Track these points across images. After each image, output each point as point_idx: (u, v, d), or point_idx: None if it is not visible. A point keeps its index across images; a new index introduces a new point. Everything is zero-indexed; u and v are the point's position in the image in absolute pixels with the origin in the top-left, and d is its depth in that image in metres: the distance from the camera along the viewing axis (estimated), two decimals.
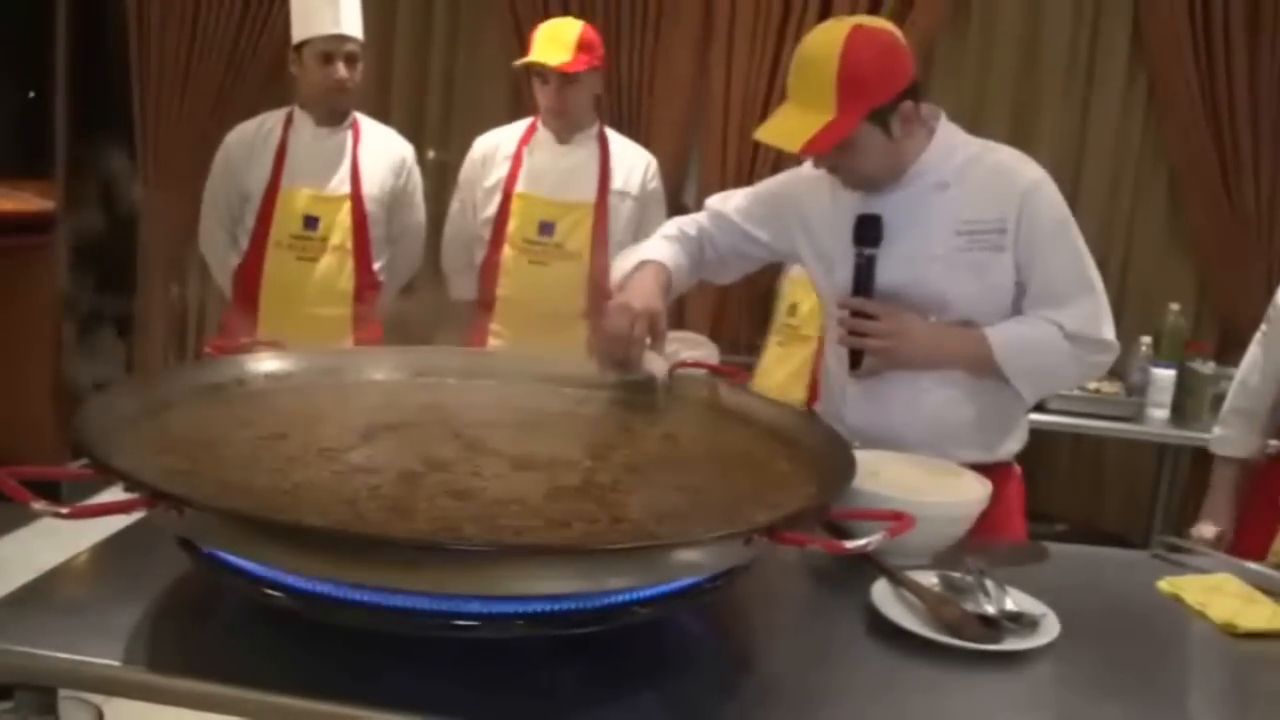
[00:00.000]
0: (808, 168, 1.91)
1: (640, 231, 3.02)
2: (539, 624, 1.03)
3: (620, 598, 1.05)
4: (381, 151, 2.86)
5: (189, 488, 1.06)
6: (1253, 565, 1.58)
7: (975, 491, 1.57)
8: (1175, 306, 3.37)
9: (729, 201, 1.99)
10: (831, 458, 1.34)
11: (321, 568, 0.99)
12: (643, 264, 1.84)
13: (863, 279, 1.78)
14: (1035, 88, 3.82)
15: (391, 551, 0.97)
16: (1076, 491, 3.89)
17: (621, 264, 1.91)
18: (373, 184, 2.81)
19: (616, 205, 2.96)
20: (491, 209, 2.97)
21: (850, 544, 1.06)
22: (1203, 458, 3.47)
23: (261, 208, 2.78)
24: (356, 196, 2.78)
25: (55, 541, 1.50)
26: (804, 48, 1.70)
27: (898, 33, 1.72)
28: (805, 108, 1.68)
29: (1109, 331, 1.79)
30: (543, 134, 2.96)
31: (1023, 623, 1.29)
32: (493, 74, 4.05)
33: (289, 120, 2.82)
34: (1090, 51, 3.79)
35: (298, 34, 2.75)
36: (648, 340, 1.70)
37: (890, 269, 1.77)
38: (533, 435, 1.46)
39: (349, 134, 2.80)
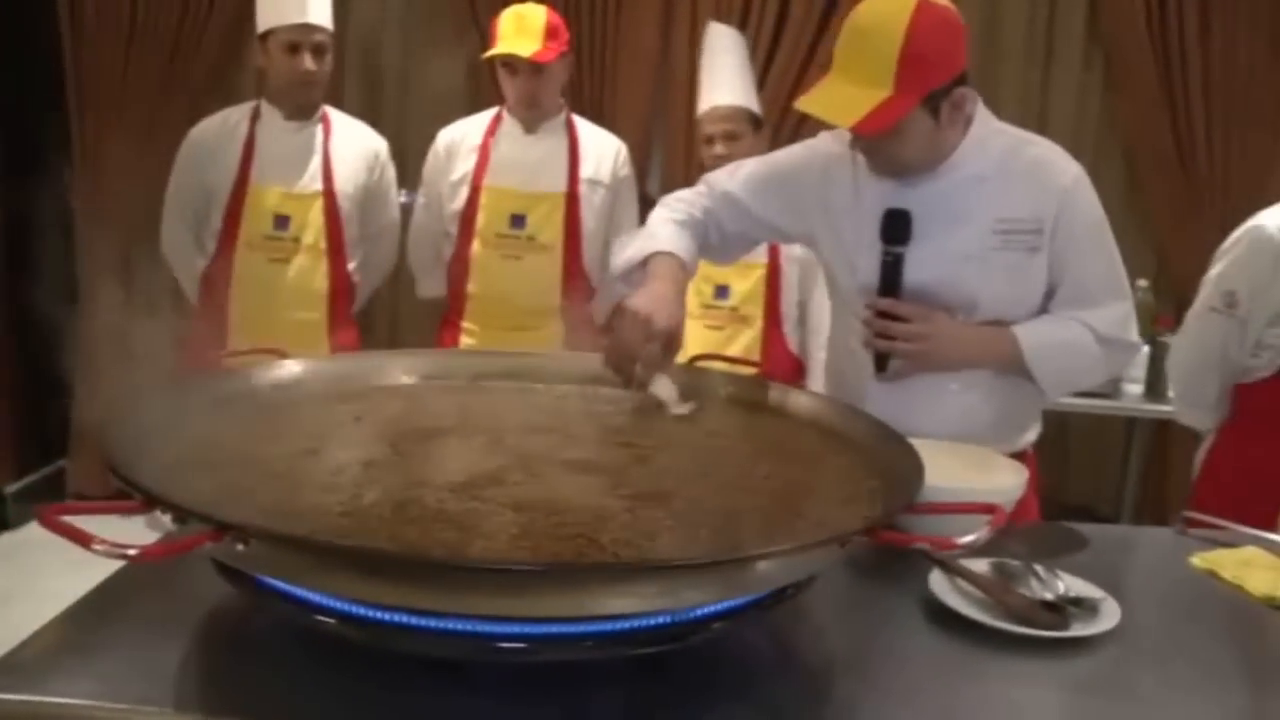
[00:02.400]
0: (822, 142, 1.81)
1: (613, 221, 2.97)
2: (617, 643, 0.97)
3: (704, 611, 1.00)
4: (354, 146, 2.76)
5: (243, 514, 0.98)
6: (1273, 536, 1.60)
7: (1014, 477, 1.55)
8: (1143, 283, 3.41)
9: (735, 180, 1.84)
10: (885, 449, 1.31)
11: (401, 595, 0.92)
12: (655, 257, 1.70)
13: (890, 278, 1.69)
14: (994, 68, 3.84)
15: (481, 576, 0.91)
16: (1043, 466, 3.92)
17: (627, 251, 1.77)
18: (346, 180, 2.71)
19: (588, 194, 2.90)
20: (459, 203, 2.89)
21: (962, 540, 1.02)
22: (1171, 430, 3.64)
23: (229, 207, 2.66)
24: (329, 193, 2.68)
25: (48, 561, 1.39)
26: (862, 18, 1.59)
27: (957, 12, 1.64)
28: (858, 82, 1.56)
29: (1135, 333, 1.77)
30: (509, 124, 2.89)
31: (1084, 607, 1.29)
32: (449, 63, 3.91)
33: (255, 114, 2.71)
34: (1048, 31, 3.82)
35: (263, 23, 2.64)
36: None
37: (920, 266, 1.69)
38: (572, 439, 1.40)
39: (319, 128, 2.70)
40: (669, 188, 3.07)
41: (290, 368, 1.54)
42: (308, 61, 2.57)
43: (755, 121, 2.93)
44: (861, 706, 1.07)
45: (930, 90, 1.58)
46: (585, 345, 2.96)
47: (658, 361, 1.56)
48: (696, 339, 2.95)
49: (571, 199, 2.87)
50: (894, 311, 1.69)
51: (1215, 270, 2.28)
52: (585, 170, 2.90)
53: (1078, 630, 1.25)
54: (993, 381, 1.75)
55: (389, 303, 3.53)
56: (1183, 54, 3.63)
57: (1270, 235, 2.13)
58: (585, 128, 2.96)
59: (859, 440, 1.39)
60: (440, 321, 3.01)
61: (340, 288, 2.72)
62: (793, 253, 2.89)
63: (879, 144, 1.63)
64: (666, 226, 1.78)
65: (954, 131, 1.67)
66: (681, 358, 2.87)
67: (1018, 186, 1.68)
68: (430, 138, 2.97)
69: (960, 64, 1.62)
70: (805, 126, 3.69)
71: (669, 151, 3.89)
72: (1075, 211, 1.69)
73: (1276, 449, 2.12)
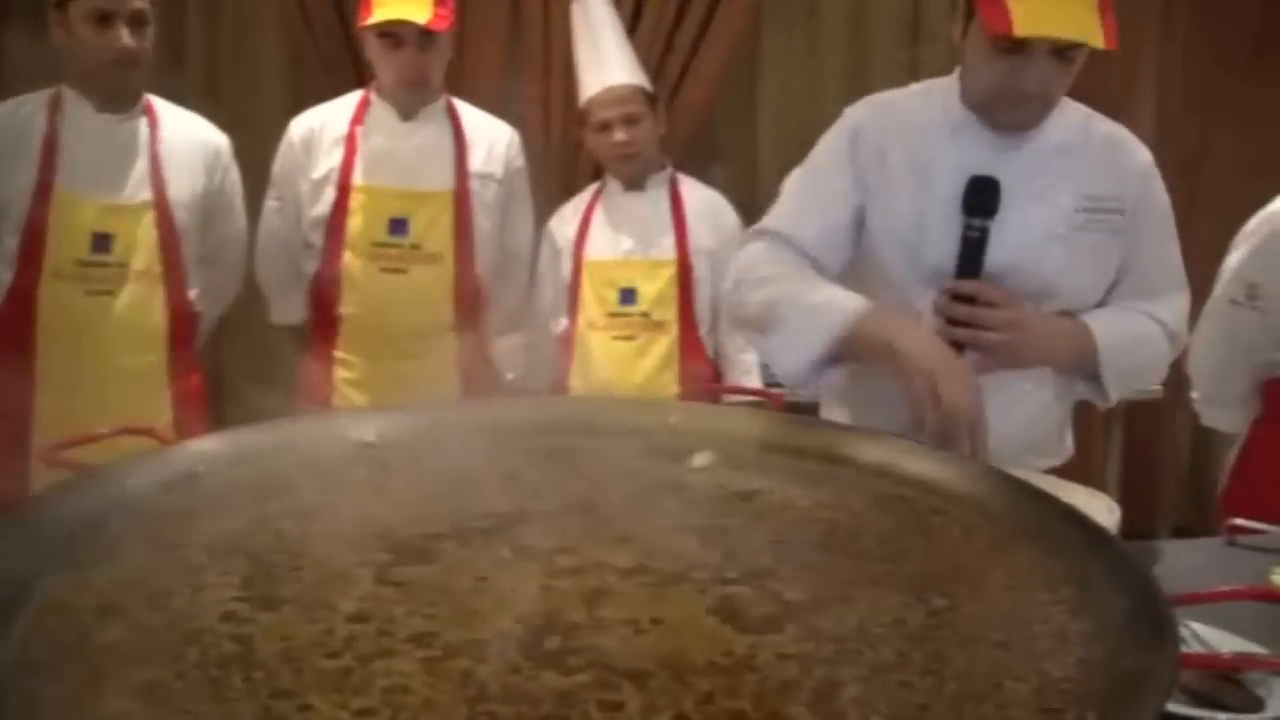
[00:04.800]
0: (864, 108, 1.59)
1: (507, 220, 2.56)
2: None
3: None
4: (188, 144, 2.18)
5: None
6: None
7: (1108, 516, 1.32)
8: None
9: (809, 214, 1.57)
10: (1046, 520, 0.98)
11: None
12: (865, 320, 1.42)
13: (971, 257, 1.46)
14: (865, 50, 3.69)
15: None
16: None
17: (795, 346, 1.47)
18: (181, 187, 2.14)
19: (479, 191, 2.47)
20: (323, 207, 2.40)
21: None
22: (1146, 412, 3.56)
23: (27, 225, 2.04)
24: (161, 204, 2.10)
25: None
26: None
27: None
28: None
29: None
30: (379, 110, 2.42)
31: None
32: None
33: (55, 105, 2.10)
34: (914, 10, 3.71)
35: None
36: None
37: (1002, 245, 1.45)
38: (623, 540, 0.99)
39: (142, 122, 2.12)
40: (535, 181, 2.73)
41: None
42: (124, 35, 1.99)
43: (651, 100, 2.61)
44: None
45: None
46: (484, 373, 2.58)
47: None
48: (605, 354, 2.60)
49: (461, 197, 2.41)
50: (983, 296, 1.44)
51: (1234, 260, 2.12)
52: (475, 163, 2.45)
53: (1277, 710, 1.01)
54: (1058, 383, 1.56)
55: (233, 333, 2.94)
56: None
57: None
58: (470, 113, 2.51)
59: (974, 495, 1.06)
60: (305, 354, 2.51)
61: (181, 321, 2.14)
62: (702, 245, 2.59)
63: (1059, 76, 1.44)
64: (808, 295, 1.48)
65: None
66: (590, 379, 2.63)
67: (1099, 162, 1.55)
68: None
69: None
70: (683, 99, 3.42)
71: (525, 137, 3.43)
72: (1153, 194, 1.58)
73: None
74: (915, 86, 1.64)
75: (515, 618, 0.81)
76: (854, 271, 1.59)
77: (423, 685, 0.71)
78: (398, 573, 0.90)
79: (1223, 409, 2.19)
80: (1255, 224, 2.06)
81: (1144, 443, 3.77)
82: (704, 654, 0.76)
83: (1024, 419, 1.51)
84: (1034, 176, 1.50)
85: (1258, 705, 1.02)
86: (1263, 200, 2.13)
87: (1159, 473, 3.88)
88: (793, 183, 1.64)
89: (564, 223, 2.67)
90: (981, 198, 1.47)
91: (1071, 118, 1.56)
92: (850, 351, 1.44)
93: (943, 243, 1.49)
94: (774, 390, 1.62)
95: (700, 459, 1.24)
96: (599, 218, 2.62)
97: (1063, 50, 1.41)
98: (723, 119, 3.68)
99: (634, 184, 2.61)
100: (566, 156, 3.45)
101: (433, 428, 1.29)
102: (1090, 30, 1.36)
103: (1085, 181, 1.52)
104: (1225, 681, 1.05)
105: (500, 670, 0.73)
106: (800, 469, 1.19)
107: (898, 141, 1.54)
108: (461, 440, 1.26)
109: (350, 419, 1.33)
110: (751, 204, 3.38)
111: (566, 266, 2.62)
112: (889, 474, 1.16)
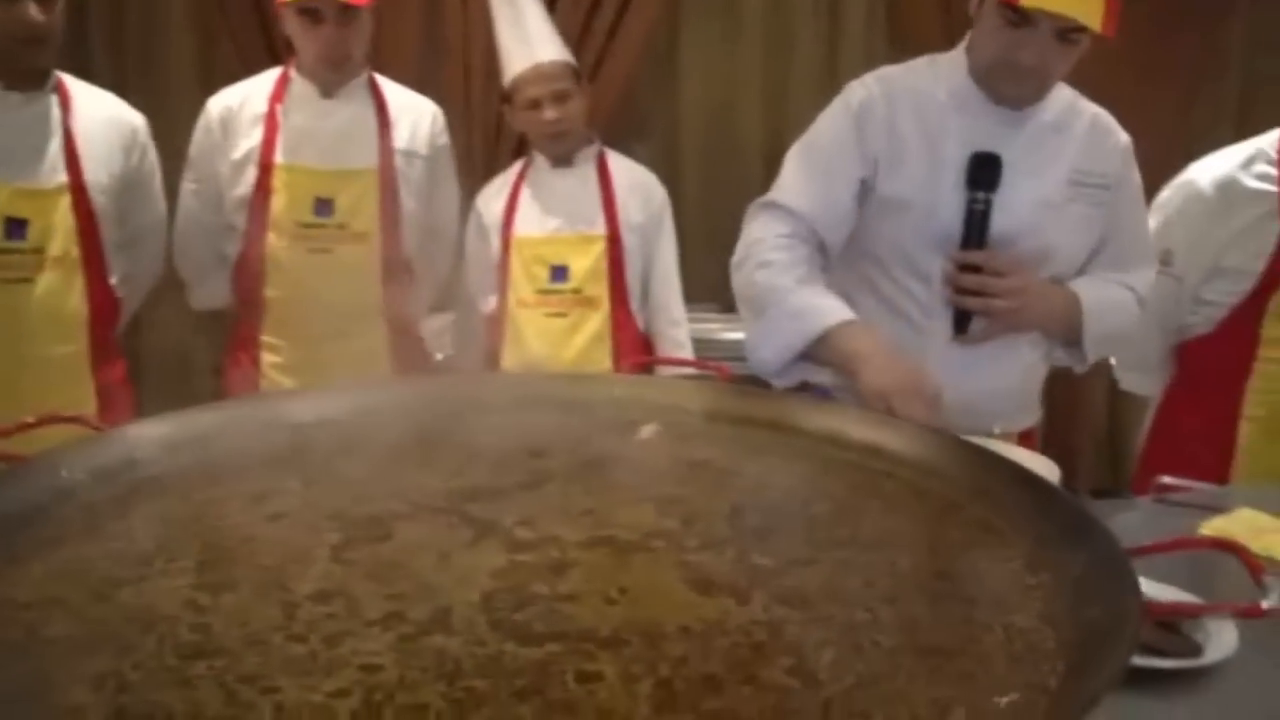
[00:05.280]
0: (856, 96, 1.62)
1: (432, 198, 2.52)
2: None
3: None
4: (104, 123, 2.08)
5: None
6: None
7: (1050, 474, 1.37)
8: None
9: (795, 193, 1.62)
10: (995, 480, 1.00)
11: None
12: (826, 336, 1.47)
13: (976, 228, 1.54)
14: (785, 25, 3.68)
15: None
16: None
17: (772, 338, 1.52)
18: (97, 168, 2.03)
19: (404, 169, 2.41)
20: (244, 188, 2.32)
21: (1267, 604, 0.73)
22: (1065, 379, 3.62)
23: None
24: (77, 187, 1.99)
25: None
26: None
27: None
28: None
29: None
30: (299, 86, 2.35)
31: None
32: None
33: None
34: None
35: None
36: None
37: (1002, 216, 1.55)
38: (581, 512, 0.99)
39: (53, 100, 2.01)
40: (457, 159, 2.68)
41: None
42: (32, 10, 1.88)
43: (578, 76, 2.56)
44: None
45: None
46: (413, 353, 2.54)
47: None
48: (537, 331, 2.58)
49: (386, 175, 2.35)
50: (988, 266, 1.54)
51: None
52: (399, 140, 2.39)
53: (1211, 657, 1.05)
54: (1045, 345, 1.69)
55: (151, 320, 2.84)
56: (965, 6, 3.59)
57: (1202, 188, 2.04)
58: (392, 89, 2.44)
59: (931, 462, 1.07)
60: (230, 339, 2.44)
61: (103, 308, 2.05)
62: (631, 220, 2.58)
63: (1060, 56, 1.51)
64: (796, 294, 1.52)
65: None
66: (522, 357, 2.61)
67: (1086, 140, 1.64)
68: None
69: None
70: (604, 77, 3.40)
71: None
72: (1131, 173, 1.68)
73: (1222, 405, 2.05)
74: (918, 61, 1.70)
75: (481, 593, 0.80)
76: (864, 239, 1.64)
77: (395, 663, 0.70)
78: (354, 552, 0.88)
79: (1139, 373, 2.25)
80: (1168, 195, 2.11)
81: (1064, 409, 3.88)
82: (675, 620, 0.76)
83: (1019, 381, 1.63)
84: (1033, 151, 1.58)
85: (1197, 651, 1.06)
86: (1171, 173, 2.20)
87: (1078, 437, 4.00)
88: (796, 156, 1.67)
89: (490, 200, 2.61)
90: (985, 172, 1.55)
91: (1062, 95, 1.64)
92: (820, 357, 1.50)
93: (950, 210, 1.56)
94: (713, 362, 1.61)
95: (647, 431, 1.23)
96: (526, 195, 2.57)
97: (1066, 32, 1.47)
98: (643, 97, 3.66)
99: (561, 161, 2.56)
100: (488, 134, 3.41)
101: (371, 406, 1.26)
102: (1092, 14, 1.44)
103: (1075, 156, 1.61)
104: (1167, 630, 1.09)
105: (472, 645, 0.72)
106: (748, 438, 1.20)
107: (907, 113, 1.60)
108: (404, 418, 1.24)
109: (287, 400, 1.30)
110: (675, 180, 3.40)
111: (495, 244, 2.56)
112: (837, 440, 1.17)
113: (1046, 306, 1.60)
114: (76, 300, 2.01)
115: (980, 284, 1.55)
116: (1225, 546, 0.83)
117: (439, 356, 2.80)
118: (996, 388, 1.52)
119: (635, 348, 2.61)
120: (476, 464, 1.11)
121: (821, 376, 1.59)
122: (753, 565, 0.86)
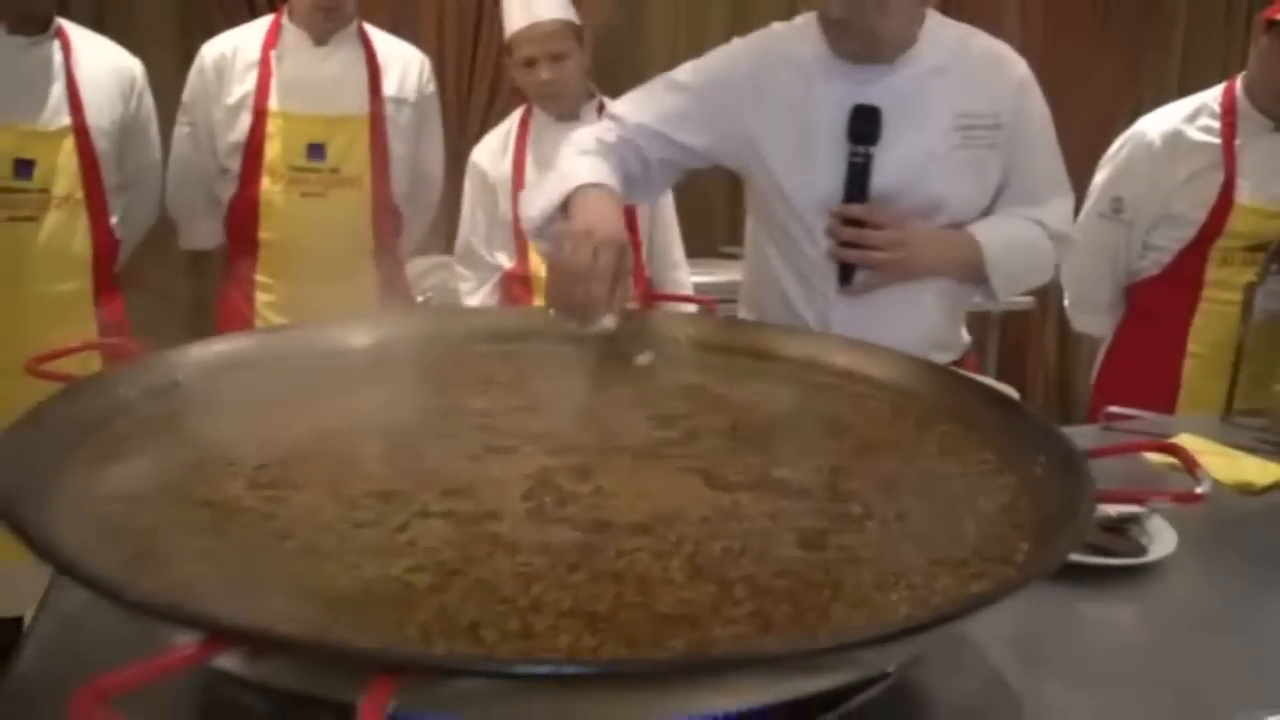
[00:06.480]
0: (744, 48, 1.62)
1: (421, 145, 2.58)
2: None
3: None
4: (104, 69, 2.14)
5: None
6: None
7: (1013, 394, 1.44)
8: None
9: (648, 107, 1.62)
10: (963, 398, 1.12)
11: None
12: (576, 193, 1.43)
13: (858, 182, 1.55)
14: None
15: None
16: None
17: (537, 201, 1.49)
18: (99, 112, 2.11)
19: (394, 115, 2.48)
20: (238, 133, 2.39)
21: (1201, 489, 0.85)
22: (1018, 322, 3.78)
23: None
24: (80, 129, 2.07)
25: None
26: None
27: None
28: None
29: (1072, 228, 1.75)
30: (292, 34, 2.40)
31: (1137, 522, 1.23)
32: None
33: None
34: None
35: None
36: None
37: (885, 168, 1.55)
38: (592, 426, 1.10)
39: (55, 45, 2.07)
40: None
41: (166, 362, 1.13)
42: None
43: (578, 34, 2.50)
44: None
45: None
46: (399, 294, 2.61)
47: (608, 279, 1.28)
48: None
49: (376, 122, 2.43)
50: (868, 219, 1.55)
51: (1101, 178, 2.31)
52: (388, 87, 2.46)
53: (1156, 554, 1.18)
54: (955, 288, 1.67)
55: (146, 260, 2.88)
56: None
57: (1151, 140, 2.17)
58: (381, 38, 2.50)
59: (916, 389, 1.19)
60: (225, 278, 2.51)
61: (105, 248, 2.13)
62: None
63: (861, 14, 1.49)
64: (577, 161, 1.52)
65: (921, 13, 1.58)
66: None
67: (974, 79, 1.60)
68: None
69: None
70: (616, 33, 3.46)
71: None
72: (1030, 105, 1.64)
73: (1168, 343, 2.19)
74: (796, 20, 1.67)
75: (520, 492, 0.91)
76: (759, 198, 1.68)
77: (458, 546, 0.80)
78: (400, 461, 0.98)
79: (1091, 314, 2.39)
80: (1119, 144, 2.24)
81: (1016, 350, 4.07)
82: (696, 511, 0.88)
83: (926, 324, 1.64)
84: (912, 101, 1.55)
85: (1141, 551, 1.19)
86: (1122, 122, 2.33)
87: (1030, 376, 4.19)
88: (659, 78, 1.67)
89: (492, 157, 2.57)
90: (864, 125, 1.54)
91: (946, 39, 1.60)
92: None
93: (829, 170, 1.56)
94: (708, 299, 1.72)
95: (643, 358, 1.34)
96: (532, 154, 2.52)
97: None
98: (611, 47, 3.71)
99: (564, 115, 2.51)
100: (460, 83, 3.47)
101: (394, 337, 1.35)
102: None
103: (960, 100, 1.57)
104: (1113, 533, 1.21)
105: (524, 532, 0.83)
106: (733, 365, 1.31)
107: (775, 80, 1.59)
108: (427, 346, 1.33)
109: (313, 330, 1.37)
110: None
111: (504, 205, 2.52)
112: (816, 366, 1.28)
113: (933, 253, 1.59)
114: (80, 239, 2.09)
115: (858, 236, 1.55)
116: (1165, 449, 0.96)
117: (420, 299, 2.87)
118: (904, 336, 1.40)
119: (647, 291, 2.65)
120: (495, 388, 1.21)
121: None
122: (758, 466, 0.98)
